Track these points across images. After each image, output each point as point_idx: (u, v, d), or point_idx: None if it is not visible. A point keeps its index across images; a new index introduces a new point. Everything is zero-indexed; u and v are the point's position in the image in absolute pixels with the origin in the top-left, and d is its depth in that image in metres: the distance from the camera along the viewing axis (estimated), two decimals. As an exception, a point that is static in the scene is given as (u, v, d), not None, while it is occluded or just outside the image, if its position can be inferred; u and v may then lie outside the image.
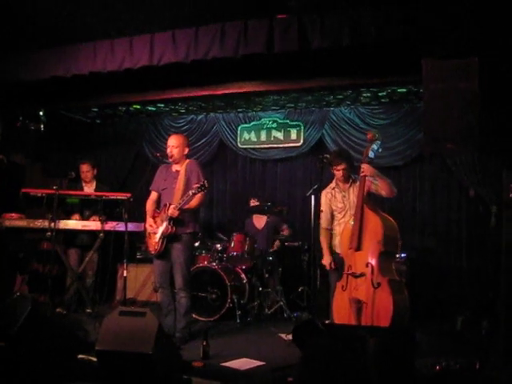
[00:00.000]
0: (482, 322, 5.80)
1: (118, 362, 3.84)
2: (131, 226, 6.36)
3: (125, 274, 5.16)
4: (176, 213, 5.06)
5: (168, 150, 5.34)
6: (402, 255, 6.48)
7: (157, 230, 5.23)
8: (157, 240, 5.22)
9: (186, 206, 5.12)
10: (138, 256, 7.93)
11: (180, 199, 5.12)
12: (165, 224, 5.15)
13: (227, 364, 4.53)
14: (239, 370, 4.39)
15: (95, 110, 8.18)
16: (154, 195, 5.51)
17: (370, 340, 3.46)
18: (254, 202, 7.42)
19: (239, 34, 4.72)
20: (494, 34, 4.24)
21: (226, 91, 5.76)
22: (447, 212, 7.23)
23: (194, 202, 5.18)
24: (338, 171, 5.25)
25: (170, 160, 5.38)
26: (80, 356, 4.40)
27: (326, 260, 5.27)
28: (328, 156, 5.16)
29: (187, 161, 5.43)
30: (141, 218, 6.01)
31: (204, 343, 4.69)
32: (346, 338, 3.46)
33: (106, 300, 6.90)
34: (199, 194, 5.12)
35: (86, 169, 6.92)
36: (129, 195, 5.76)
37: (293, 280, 7.16)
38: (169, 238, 5.21)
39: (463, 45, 4.29)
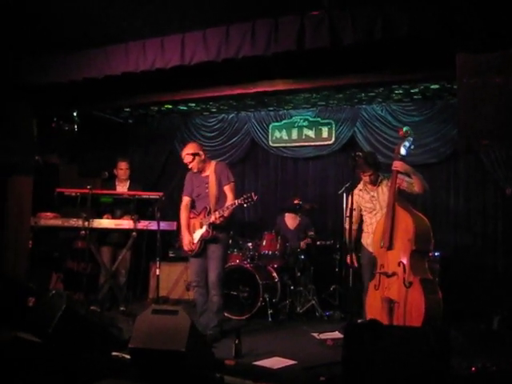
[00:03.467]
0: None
1: (151, 359, 3.87)
2: (163, 225, 6.40)
3: (157, 273, 5.20)
4: (219, 221, 5.13)
5: (190, 166, 5.38)
6: (436, 254, 6.38)
7: (195, 232, 5.31)
8: (195, 242, 5.29)
9: (228, 212, 5.17)
10: (171, 254, 7.99)
11: (218, 202, 5.21)
12: (205, 228, 5.22)
13: (259, 362, 4.52)
14: (271, 368, 4.38)
15: (127, 110, 8.27)
16: (186, 200, 5.55)
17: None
18: (297, 201, 7.37)
19: (270, 31, 4.69)
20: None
21: (258, 90, 5.73)
22: (482, 210, 7.09)
23: (230, 205, 5.21)
24: (365, 177, 5.25)
25: (195, 171, 5.40)
26: (114, 353, 4.45)
27: (349, 258, 5.31)
28: (361, 154, 5.11)
29: (213, 163, 5.48)
30: (174, 216, 6.07)
31: (236, 341, 4.69)
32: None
33: (139, 298, 6.99)
34: (231, 197, 5.22)
35: (124, 166, 7.00)
36: (161, 194, 5.81)
37: (325, 279, 7.12)
38: (207, 240, 5.27)
39: (498, 37, 4.18)
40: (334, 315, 6.61)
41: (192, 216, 5.40)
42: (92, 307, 6.48)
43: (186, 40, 5.05)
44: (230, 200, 5.22)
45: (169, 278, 7.77)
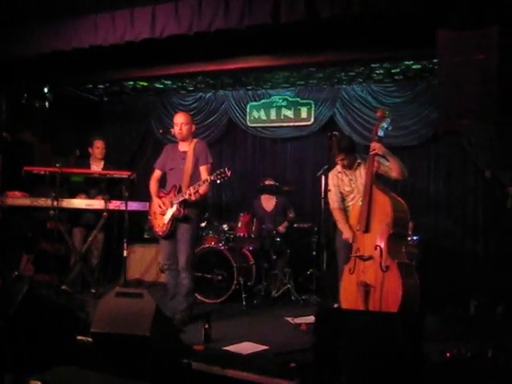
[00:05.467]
0: (496, 308, 5.62)
1: (115, 344, 3.72)
2: (136, 205, 6.25)
3: (125, 254, 5.02)
4: (193, 197, 4.91)
5: (177, 128, 5.18)
6: (415, 238, 6.29)
7: (165, 212, 5.10)
8: (166, 222, 5.10)
9: (202, 192, 4.98)
10: (146, 236, 7.82)
11: (190, 181, 5.00)
12: (175, 206, 5.02)
13: (229, 348, 4.38)
14: (241, 354, 4.23)
15: (101, 86, 8.04)
16: (157, 173, 5.37)
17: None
18: (269, 182, 7.22)
19: (244, 3, 4.49)
20: (513, 1, 3.97)
21: (233, 66, 5.55)
22: (463, 194, 7.00)
23: (207, 188, 5.06)
24: (339, 161, 5.10)
25: (179, 138, 5.22)
26: (79, 337, 4.29)
27: (348, 234, 4.93)
28: (337, 133, 4.95)
29: (195, 140, 5.28)
30: (148, 197, 5.88)
31: (206, 326, 4.55)
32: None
33: (111, 280, 6.82)
34: (206, 176, 4.99)
35: (100, 145, 6.81)
36: (129, 173, 5.60)
37: (302, 262, 6.98)
38: (177, 219, 5.08)
39: (481, 13, 4.02)
40: (310, 299, 6.47)
41: (161, 195, 5.20)
42: (63, 287, 6.34)
43: (156, 12, 4.84)
44: (207, 185, 5.02)
45: (143, 259, 7.62)
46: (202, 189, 4.97)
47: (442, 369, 3.92)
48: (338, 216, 5.15)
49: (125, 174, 5.87)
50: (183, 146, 5.23)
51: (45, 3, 5.04)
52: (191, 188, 4.92)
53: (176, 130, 5.17)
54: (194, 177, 5.05)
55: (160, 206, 5.13)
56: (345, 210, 5.18)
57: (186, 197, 4.92)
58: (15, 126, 7.54)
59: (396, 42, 4.84)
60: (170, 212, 5.06)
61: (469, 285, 6.28)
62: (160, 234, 5.15)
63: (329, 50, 5.11)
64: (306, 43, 5.03)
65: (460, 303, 6.07)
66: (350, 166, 5.11)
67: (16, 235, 7.27)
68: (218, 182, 4.86)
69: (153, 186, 5.31)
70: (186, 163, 5.10)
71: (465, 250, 6.88)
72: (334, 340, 3.27)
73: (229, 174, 4.82)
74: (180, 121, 5.17)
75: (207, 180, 4.88)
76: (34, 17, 5.29)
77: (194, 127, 5.29)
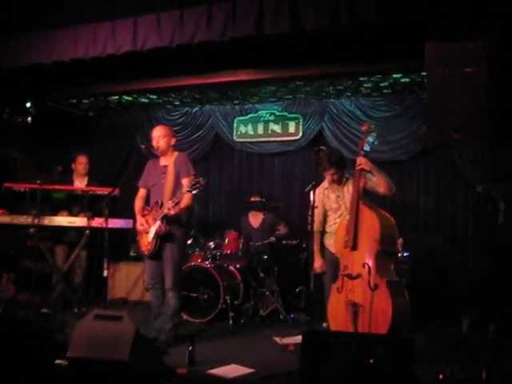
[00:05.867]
0: (489, 325, 5.49)
1: (92, 370, 3.54)
2: (120, 223, 6.08)
3: (105, 274, 4.82)
4: (172, 211, 4.75)
5: (154, 142, 5.05)
6: (405, 254, 6.18)
7: (149, 229, 4.94)
8: (150, 240, 4.93)
9: (183, 206, 4.83)
10: (132, 254, 7.64)
11: (172, 196, 4.83)
12: (158, 223, 4.86)
13: (214, 371, 4.23)
14: (225, 377, 4.09)
15: (86, 101, 7.91)
16: (142, 192, 5.23)
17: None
18: (255, 198, 7.08)
19: (227, 15, 4.39)
20: (504, 13, 3.87)
21: (218, 80, 5.44)
22: (453, 209, 6.90)
23: (188, 201, 4.89)
24: (328, 176, 4.98)
25: (157, 152, 5.09)
26: (57, 361, 4.11)
27: (317, 263, 5.08)
28: (324, 148, 4.83)
29: (175, 153, 5.13)
30: (131, 214, 5.72)
31: (190, 348, 4.39)
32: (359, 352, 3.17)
33: (95, 300, 6.62)
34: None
35: (83, 161, 6.66)
36: (110, 190, 5.42)
37: (290, 280, 6.82)
38: (162, 237, 4.91)
39: (470, 26, 3.93)
40: (299, 318, 6.33)
41: (145, 213, 5.05)
42: (43, 310, 6.15)
43: (138, 24, 4.74)
44: (188, 198, 4.87)
45: (128, 278, 7.43)
46: (183, 202, 4.82)
47: (434, 392, 3.80)
48: (315, 240, 5.10)
49: (105, 191, 5.69)
50: (164, 161, 5.10)
51: (24, 15, 4.90)
52: (169, 202, 4.76)
53: (153, 144, 5.02)
54: (177, 191, 4.88)
55: (142, 225, 4.98)
56: (324, 231, 5.10)
57: (165, 211, 4.76)
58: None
59: (384, 54, 4.75)
60: (153, 229, 4.90)
61: (460, 301, 6.16)
62: (145, 252, 4.99)
63: (315, 64, 5.02)
64: (291, 56, 4.94)
65: (451, 321, 5.94)
66: (339, 181, 4.99)
67: (-2, 253, 7.08)
68: (194, 192, 4.68)
69: (137, 204, 5.17)
70: (166, 178, 4.95)
71: (455, 266, 6.76)
72: (320, 364, 3.12)
73: (203, 182, 4.66)
74: (157, 134, 5.04)
75: (182, 192, 4.71)
76: (14, 29, 5.14)
77: (173, 140, 5.14)
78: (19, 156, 8.11)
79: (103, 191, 5.87)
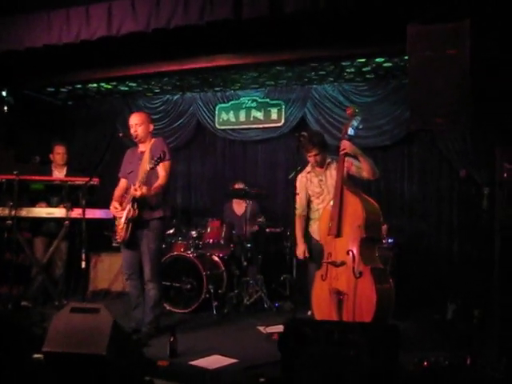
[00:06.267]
0: (473, 312, 5.46)
1: (69, 364, 3.44)
2: (100, 213, 5.97)
3: (83, 266, 4.71)
4: (138, 192, 4.58)
5: (132, 130, 4.92)
6: (389, 240, 6.13)
7: (122, 214, 4.81)
8: (121, 226, 4.80)
9: (153, 188, 4.69)
10: (114, 244, 7.50)
11: (147, 181, 4.70)
12: (128, 206, 4.73)
13: (195, 362, 4.15)
14: (207, 369, 4.01)
15: (65, 90, 7.74)
16: (122, 182, 5.09)
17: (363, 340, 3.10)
18: (238, 185, 6.99)
19: (204, -1, 4.26)
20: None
21: (196, 65, 5.32)
22: (437, 194, 6.85)
23: (159, 183, 4.76)
24: (310, 157, 4.87)
25: (136, 140, 4.97)
26: (35, 356, 4.01)
27: (300, 249, 4.94)
28: (306, 134, 4.74)
29: (153, 140, 5.00)
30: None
31: (171, 339, 4.31)
32: (338, 343, 3.10)
33: (75, 292, 6.52)
34: (163, 174, 4.73)
35: (61, 150, 6.53)
36: (87, 179, 5.29)
37: (274, 268, 6.75)
38: (136, 224, 4.78)
39: (453, 6, 3.84)
40: (283, 306, 6.27)
41: (122, 200, 4.92)
42: (23, 302, 6.04)
43: (113, 9, 4.59)
44: (159, 180, 4.75)
45: (110, 269, 7.28)
46: (153, 184, 4.69)
47: (419, 379, 3.75)
48: (297, 225, 4.99)
49: (82, 181, 5.55)
50: (142, 147, 4.98)
51: (-5, 1, 4.74)
52: (136, 183, 4.64)
53: (131, 132, 4.90)
54: (153, 176, 4.76)
55: (115, 208, 4.84)
56: (308, 218, 5.00)
57: (132, 193, 4.64)
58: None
59: (365, 38, 4.66)
60: (124, 214, 4.77)
61: (445, 288, 6.12)
62: (119, 240, 4.86)
63: (295, 48, 4.90)
64: (271, 41, 4.83)
65: (436, 307, 5.91)
66: (322, 164, 4.90)
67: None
68: (154, 167, 4.57)
69: (116, 193, 5.04)
70: (142, 163, 4.83)
71: (440, 252, 6.73)
72: (297, 354, 3.05)
73: (163, 156, 4.56)
74: (134, 121, 4.92)
75: (145, 171, 4.60)
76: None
77: (151, 126, 5.00)
78: (-2, 146, 7.95)
79: (82, 181, 5.73)
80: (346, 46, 4.80)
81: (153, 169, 4.58)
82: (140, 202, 4.69)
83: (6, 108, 7.04)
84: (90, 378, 3.42)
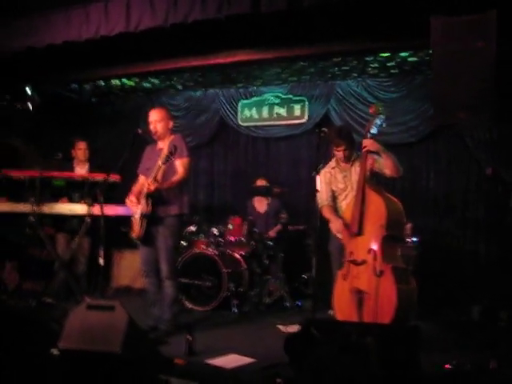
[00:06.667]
0: (500, 313, 5.31)
1: (84, 361, 3.43)
2: (123, 210, 5.95)
3: (101, 263, 4.67)
4: (152, 186, 4.56)
5: (151, 127, 4.91)
6: (414, 239, 6.00)
7: (137, 208, 4.79)
8: (136, 221, 4.78)
9: (166, 182, 4.66)
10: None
11: (163, 178, 4.67)
12: (142, 202, 4.71)
13: (212, 361, 4.09)
14: (224, 368, 3.95)
15: (89, 87, 7.78)
16: (141, 179, 5.07)
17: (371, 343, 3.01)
18: (261, 182, 6.93)
19: (222, -7, 4.20)
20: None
21: (216, 61, 5.26)
22: (463, 192, 6.67)
23: (175, 178, 4.72)
24: (339, 152, 4.78)
25: (155, 137, 4.94)
26: (53, 351, 4.01)
27: (336, 224, 4.67)
28: (327, 130, 4.65)
29: (172, 136, 4.96)
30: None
31: (188, 337, 4.26)
32: (345, 345, 3.01)
33: (99, 288, 6.54)
34: (180, 171, 4.70)
35: (83, 146, 6.55)
36: (105, 176, 5.28)
37: (296, 266, 6.67)
38: (151, 221, 4.74)
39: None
40: (305, 305, 6.18)
41: (140, 196, 4.88)
42: (46, 298, 6.08)
43: (131, 4, 4.55)
44: (177, 176, 4.71)
45: (132, 265, 7.26)
46: (172, 181, 4.66)
47: (439, 383, 3.64)
48: (327, 213, 4.81)
49: (101, 177, 5.54)
50: (161, 144, 4.95)
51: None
52: (149, 179, 4.62)
53: (151, 129, 4.88)
54: (170, 173, 4.73)
55: (131, 201, 4.83)
56: (336, 210, 4.88)
57: (145, 190, 4.62)
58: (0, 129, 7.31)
59: (388, 31, 4.53)
60: (139, 210, 4.75)
61: (470, 288, 5.98)
62: (134, 236, 4.83)
63: (316, 42, 4.81)
64: (291, 35, 4.75)
65: (461, 308, 5.77)
66: (349, 158, 4.82)
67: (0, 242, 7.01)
68: (168, 162, 4.54)
69: (134, 190, 5.02)
70: (159, 160, 4.80)
71: (466, 252, 6.56)
72: (306, 356, 2.98)
73: (174, 151, 4.51)
74: (153, 118, 4.89)
75: (160, 166, 4.57)
76: (5, 13, 5.00)
77: (170, 123, 4.96)
78: (22, 143, 8.03)
79: (102, 177, 5.73)
80: (368, 39, 4.68)
81: (164, 164, 4.54)
82: (154, 198, 4.66)
83: (30, 105, 7.08)
84: (104, 375, 3.41)
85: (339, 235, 4.73)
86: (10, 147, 7.72)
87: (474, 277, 6.18)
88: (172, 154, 4.51)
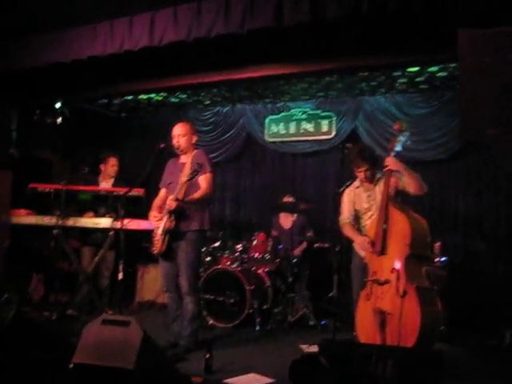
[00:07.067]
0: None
1: (97, 377, 3.38)
2: (147, 224, 5.95)
3: (120, 277, 4.64)
4: (173, 204, 4.54)
5: (174, 141, 4.88)
6: (442, 259, 5.80)
7: (160, 224, 4.76)
8: (158, 237, 4.75)
9: (188, 199, 4.62)
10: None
11: (185, 193, 4.63)
12: (165, 218, 4.68)
13: (230, 380, 4.00)
14: (241, 388, 3.86)
15: (117, 102, 7.86)
16: (162, 192, 5.05)
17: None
18: (287, 199, 6.85)
19: (245, 7, 4.16)
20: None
21: (242, 75, 5.22)
22: (495, 211, 6.48)
23: (198, 194, 4.67)
24: (360, 173, 4.67)
25: (177, 151, 4.92)
26: (71, 365, 3.97)
27: (359, 240, 4.53)
28: (350, 146, 4.57)
29: (195, 151, 4.93)
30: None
31: (207, 355, 4.18)
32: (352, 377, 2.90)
33: (124, 302, 6.52)
34: (204, 187, 4.64)
35: (115, 162, 6.56)
36: (125, 190, 5.27)
37: (322, 285, 6.53)
38: (173, 236, 4.71)
39: (506, 9, 3.59)
40: (330, 325, 6.03)
41: (161, 211, 4.86)
42: (70, 311, 6.09)
43: (155, 18, 4.57)
44: (199, 192, 4.66)
45: (156, 280, 7.25)
46: (190, 196, 4.60)
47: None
48: (348, 231, 4.70)
49: (121, 191, 5.54)
50: (183, 158, 4.92)
51: (42, 14, 4.81)
52: (171, 196, 4.59)
53: (174, 143, 4.85)
54: (193, 188, 4.69)
55: (155, 216, 4.81)
56: (359, 230, 4.76)
57: (167, 207, 4.60)
58: (31, 143, 7.41)
59: (415, 44, 4.43)
60: (161, 225, 4.72)
61: (503, 311, 5.73)
62: (156, 251, 4.81)
63: (341, 56, 4.73)
64: (316, 50, 4.69)
65: (492, 333, 5.53)
66: (372, 179, 4.70)
67: (28, 254, 7.08)
68: (193, 179, 4.52)
69: (154, 203, 5.00)
70: (182, 175, 4.76)
71: (497, 273, 6.34)
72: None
73: (199, 169, 4.48)
74: (177, 132, 4.86)
75: (182, 182, 4.54)
76: (32, 29, 5.08)
77: (194, 138, 4.94)
78: (54, 157, 8.15)
79: (127, 192, 5.74)
80: (395, 53, 4.57)
81: (189, 181, 4.51)
82: (176, 214, 4.63)
83: (59, 120, 7.18)
84: (117, 392, 3.36)
85: (362, 254, 4.62)
86: (39, 160, 7.85)
87: (507, 299, 5.94)
88: (197, 172, 4.49)
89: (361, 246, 4.59)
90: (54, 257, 6.40)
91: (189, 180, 4.51)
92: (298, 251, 6.62)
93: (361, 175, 4.70)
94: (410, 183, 4.37)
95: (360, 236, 4.59)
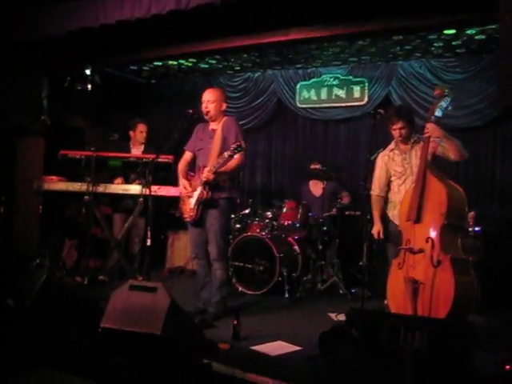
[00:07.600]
0: None
1: (125, 342, 3.41)
2: (176, 191, 5.93)
3: (148, 243, 4.62)
4: (211, 176, 4.54)
5: (203, 106, 4.81)
6: (477, 229, 5.65)
7: (192, 194, 4.74)
8: (192, 206, 4.73)
9: (223, 169, 4.57)
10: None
11: (215, 161, 4.58)
12: (199, 189, 4.65)
13: (257, 347, 3.98)
14: (268, 355, 3.83)
15: (147, 68, 7.81)
16: (187, 155, 5.01)
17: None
18: (314, 166, 6.75)
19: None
20: None
21: (271, 39, 5.08)
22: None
23: (232, 165, 4.62)
24: (395, 130, 4.56)
25: (206, 117, 4.85)
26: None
27: (375, 228, 4.71)
28: (382, 111, 4.44)
29: (225, 118, 4.86)
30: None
31: (235, 322, 4.18)
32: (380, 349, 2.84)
33: (155, 268, 6.58)
34: (237, 156, 4.56)
35: (143, 129, 6.58)
36: (153, 156, 5.25)
37: (353, 253, 6.42)
38: (204, 204, 4.70)
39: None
40: (360, 293, 5.97)
41: (189, 178, 4.84)
42: (101, 277, 6.17)
43: (182, -19, 4.44)
44: (233, 162, 4.60)
45: (186, 247, 7.27)
46: (224, 167, 4.55)
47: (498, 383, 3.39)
48: (374, 205, 4.76)
49: (149, 158, 5.52)
50: (213, 125, 4.85)
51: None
52: (206, 168, 4.55)
53: (202, 109, 4.78)
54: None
55: (185, 188, 4.78)
56: (387, 200, 4.68)
57: (203, 178, 4.57)
58: (62, 110, 7.43)
59: (451, 4, 4.22)
60: (195, 195, 4.70)
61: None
62: (188, 219, 4.80)
63: (374, 18, 4.55)
64: (346, 10, 4.51)
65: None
66: (407, 139, 4.59)
67: (60, 220, 7.16)
68: (235, 156, 4.47)
69: (181, 168, 4.96)
70: (213, 143, 4.71)
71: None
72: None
73: (244, 146, 4.42)
74: (206, 98, 4.79)
75: (224, 157, 4.48)
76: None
77: (224, 105, 4.85)
78: (85, 124, 8.18)
79: (157, 159, 5.72)
80: (430, 14, 4.38)
81: (231, 156, 4.46)
82: (212, 185, 4.62)
83: (90, 87, 7.16)
84: (144, 356, 3.38)
85: (397, 221, 4.53)
86: (71, 127, 7.89)
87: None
88: (240, 148, 4.42)
89: (373, 233, 4.74)
90: (85, 223, 6.48)
91: (230, 156, 4.45)
92: (326, 215, 6.52)
93: (396, 133, 4.58)
94: (450, 149, 4.27)
95: (377, 223, 4.72)
